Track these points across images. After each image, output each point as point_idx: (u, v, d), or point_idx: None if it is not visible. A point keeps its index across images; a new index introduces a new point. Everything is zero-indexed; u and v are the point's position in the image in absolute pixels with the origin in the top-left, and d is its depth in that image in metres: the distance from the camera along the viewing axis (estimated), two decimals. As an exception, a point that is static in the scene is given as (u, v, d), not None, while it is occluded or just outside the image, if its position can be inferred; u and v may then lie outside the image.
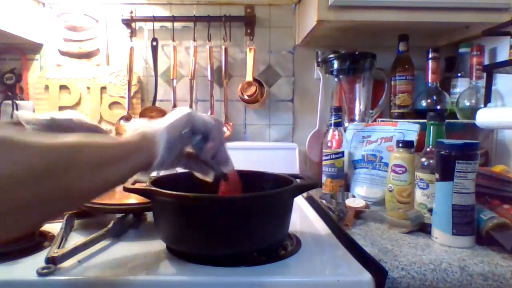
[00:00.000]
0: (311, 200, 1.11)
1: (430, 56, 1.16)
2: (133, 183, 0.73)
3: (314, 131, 1.31)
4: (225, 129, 1.32)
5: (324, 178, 1.07)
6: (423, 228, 0.79)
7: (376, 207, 0.98)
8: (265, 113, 1.37)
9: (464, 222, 0.69)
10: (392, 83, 1.21)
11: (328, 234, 0.81)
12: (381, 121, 1.17)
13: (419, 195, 0.80)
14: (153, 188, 0.65)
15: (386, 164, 0.98)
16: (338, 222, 0.86)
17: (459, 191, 0.69)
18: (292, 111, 1.37)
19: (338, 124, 1.05)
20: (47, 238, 0.78)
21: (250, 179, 0.85)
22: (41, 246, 0.73)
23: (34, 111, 1.29)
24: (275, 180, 0.79)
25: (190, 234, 0.63)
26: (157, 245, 0.72)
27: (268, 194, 0.66)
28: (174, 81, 1.29)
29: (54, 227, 0.80)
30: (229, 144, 1.28)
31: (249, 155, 1.27)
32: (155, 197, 0.66)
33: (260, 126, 1.37)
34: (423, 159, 0.81)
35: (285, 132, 1.38)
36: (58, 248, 0.68)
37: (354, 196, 0.98)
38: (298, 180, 0.75)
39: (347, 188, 1.07)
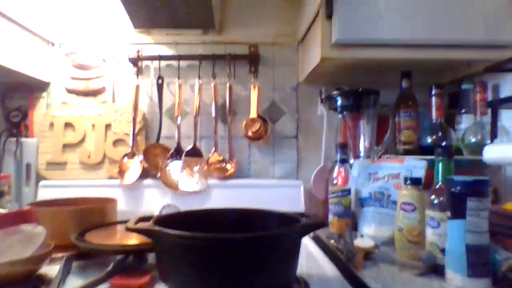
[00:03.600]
0: (317, 240, 1.07)
1: (433, 92, 1.16)
2: (136, 222, 0.71)
3: (319, 168, 1.30)
4: (229, 166, 1.31)
5: (330, 217, 1.04)
6: (435, 269, 0.75)
7: (385, 247, 0.94)
8: (269, 150, 1.36)
9: (480, 262, 0.66)
10: (397, 119, 1.21)
11: (337, 276, 0.78)
12: (387, 157, 1.16)
13: (430, 234, 0.78)
14: (157, 228, 0.63)
15: (394, 202, 0.95)
16: (347, 263, 0.83)
17: (473, 230, 0.66)
18: (296, 147, 1.37)
19: (344, 161, 1.04)
20: (44, 281, 0.75)
21: (255, 217, 0.83)
22: (39, 290, 0.70)
23: (37, 148, 1.28)
24: (281, 218, 0.77)
25: (194, 277, 0.60)
26: (159, 289, 0.69)
27: (276, 234, 0.64)
28: (179, 118, 1.29)
29: (51, 270, 0.77)
30: (233, 182, 1.28)
31: (253, 192, 1.26)
32: (159, 237, 0.63)
33: (265, 163, 1.36)
34: (433, 197, 0.78)
35: (290, 169, 1.36)
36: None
37: (362, 236, 0.95)
38: (304, 219, 0.73)
39: (354, 226, 1.04)
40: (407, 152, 1.17)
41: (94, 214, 1.01)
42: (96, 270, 0.77)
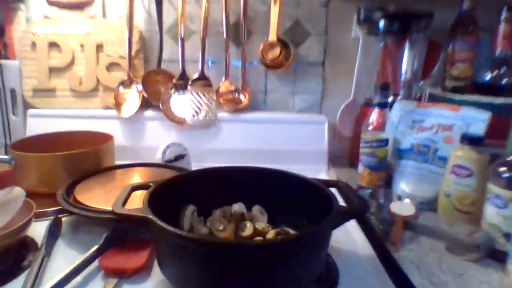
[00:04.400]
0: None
1: (503, 16, 0.92)
2: (127, 196, 0.57)
3: (348, 102, 1.12)
4: (242, 97, 1.13)
5: (361, 168, 0.89)
6: (494, 254, 0.62)
7: (424, 209, 0.81)
8: (289, 79, 1.16)
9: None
10: (450, 49, 0.98)
11: (370, 257, 0.65)
12: (430, 94, 0.96)
13: (493, 214, 0.63)
14: (151, 218, 0.48)
15: (442, 159, 0.79)
16: (383, 237, 0.70)
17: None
18: (321, 77, 1.16)
19: (383, 105, 0.85)
20: (28, 249, 0.65)
21: (276, 180, 0.69)
22: (22, 266, 0.59)
23: (20, 72, 1.10)
24: (309, 190, 0.62)
25: (193, 280, 0.48)
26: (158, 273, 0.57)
27: (305, 236, 0.48)
28: (183, 38, 1.08)
29: (37, 230, 0.67)
30: (246, 116, 1.11)
31: (270, 128, 1.11)
32: (154, 230, 0.50)
33: (284, 94, 1.17)
34: (502, 169, 0.62)
35: (313, 101, 1.17)
36: (35, 279, 0.54)
37: (400, 198, 0.81)
38: (334, 192, 0.58)
39: (388, 181, 0.90)
40: (458, 90, 0.97)
41: (88, 158, 0.88)
42: (90, 230, 0.69)
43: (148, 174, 0.89)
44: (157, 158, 0.98)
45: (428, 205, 0.82)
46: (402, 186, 0.85)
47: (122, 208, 0.52)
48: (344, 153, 1.15)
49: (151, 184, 0.62)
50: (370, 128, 0.86)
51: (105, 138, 0.96)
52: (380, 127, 0.86)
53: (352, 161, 1.11)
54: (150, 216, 0.50)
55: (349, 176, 1.04)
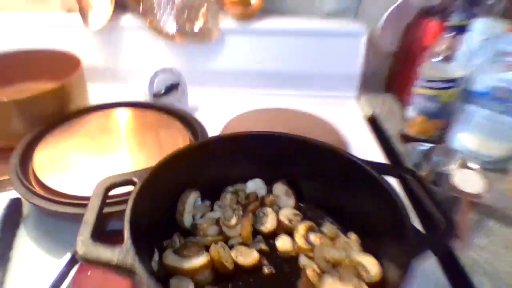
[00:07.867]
0: (382, 140, 0.74)
1: None
2: (103, 199, 0.39)
3: (398, 5, 0.82)
4: (252, -4, 0.84)
5: (412, 112, 0.68)
6: None
7: (488, 169, 0.63)
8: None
9: None
10: None
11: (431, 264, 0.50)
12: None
13: None
14: (140, 273, 0.32)
15: (533, 113, 0.58)
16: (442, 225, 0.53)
17: None
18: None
19: (463, 29, 0.59)
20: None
21: (323, 157, 0.51)
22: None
23: None
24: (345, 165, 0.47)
25: None
26: None
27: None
28: None
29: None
30: (258, 24, 0.83)
31: (287, 42, 0.86)
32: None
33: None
34: None
35: (347, 1, 0.87)
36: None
37: (464, 163, 0.62)
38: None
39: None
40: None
41: (50, 101, 0.66)
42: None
43: (136, 122, 0.68)
44: (144, 90, 0.75)
45: (495, 165, 0.64)
46: (464, 139, 0.65)
47: (90, 244, 0.34)
48: (379, 72, 0.91)
49: (134, 179, 0.43)
50: (439, 60, 0.62)
51: (70, 62, 0.72)
52: (451, 58, 0.62)
53: (390, 85, 0.89)
54: (135, 265, 0.33)
55: (388, 109, 0.83)
